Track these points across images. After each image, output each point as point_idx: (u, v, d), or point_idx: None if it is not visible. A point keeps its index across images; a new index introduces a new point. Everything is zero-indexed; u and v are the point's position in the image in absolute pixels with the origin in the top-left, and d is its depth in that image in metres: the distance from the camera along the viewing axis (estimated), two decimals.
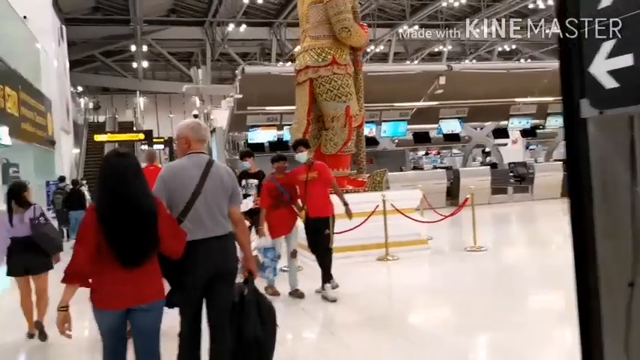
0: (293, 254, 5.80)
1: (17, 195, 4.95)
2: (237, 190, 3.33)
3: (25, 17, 16.49)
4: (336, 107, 8.41)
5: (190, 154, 3.22)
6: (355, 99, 8.61)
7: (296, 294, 5.84)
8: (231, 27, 28.56)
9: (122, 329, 2.79)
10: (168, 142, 27.46)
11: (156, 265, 2.83)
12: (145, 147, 26.57)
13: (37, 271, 4.99)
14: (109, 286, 2.71)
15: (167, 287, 3.00)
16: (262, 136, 15.05)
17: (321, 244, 5.70)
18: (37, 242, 4.80)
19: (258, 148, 14.23)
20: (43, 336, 4.94)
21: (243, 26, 28.43)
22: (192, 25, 30.64)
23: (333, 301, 5.58)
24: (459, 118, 16.09)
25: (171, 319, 3.10)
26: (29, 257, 4.86)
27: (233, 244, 3.24)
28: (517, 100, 16.33)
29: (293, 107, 9.53)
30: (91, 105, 34.32)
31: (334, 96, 8.38)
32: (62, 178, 15.04)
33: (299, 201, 5.83)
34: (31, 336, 4.98)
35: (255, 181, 6.95)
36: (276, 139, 15.21)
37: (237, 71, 13.55)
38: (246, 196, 6.56)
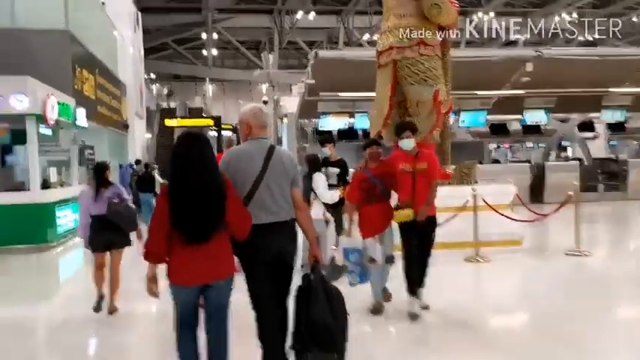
0: (389, 259, 4.80)
1: (101, 174, 5.17)
2: (298, 175, 3.30)
3: (103, 3, 16.79)
4: (423, 91, 7.66)
5: (252, 139, 3.23)
6: (443, 83, 7.87)
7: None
8: (299, 15, 28.26)
9: (196, 303, 2.91)
10: (234, 129, 27.87)
11: (227, 241, 2.92)
12: (213, 132, 27.35)
13: (115, 246, 5.21)
14: (185, 262, 2.82)
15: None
16: (333, 123, 14.52)
17: (423, 250, 4.78)
18: (110, 219, 4.99)
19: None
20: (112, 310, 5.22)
21: (312, 14, 28.04)
22: (262, 13, 30.62)
23: (425, 308, 4.90)
24: (545, 108, 14.83)
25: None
26: (111, 234, 5.06)
27: (295, 228, 3.24)
28: (611, 90, 14.89)
29: (366, 94, 8.90)
30: (165, 91, 35.37)
31: (420, 79, 7.64)
32: (138, 161, 15.27)
33: (394, 195, 4.92)
34: (98, 303, 5.12)
35: (336, 170, 6.42)
36: (347, 126, 14.62)
37: (309, 55, 13.06)
38: (331, 186, 6.03)
